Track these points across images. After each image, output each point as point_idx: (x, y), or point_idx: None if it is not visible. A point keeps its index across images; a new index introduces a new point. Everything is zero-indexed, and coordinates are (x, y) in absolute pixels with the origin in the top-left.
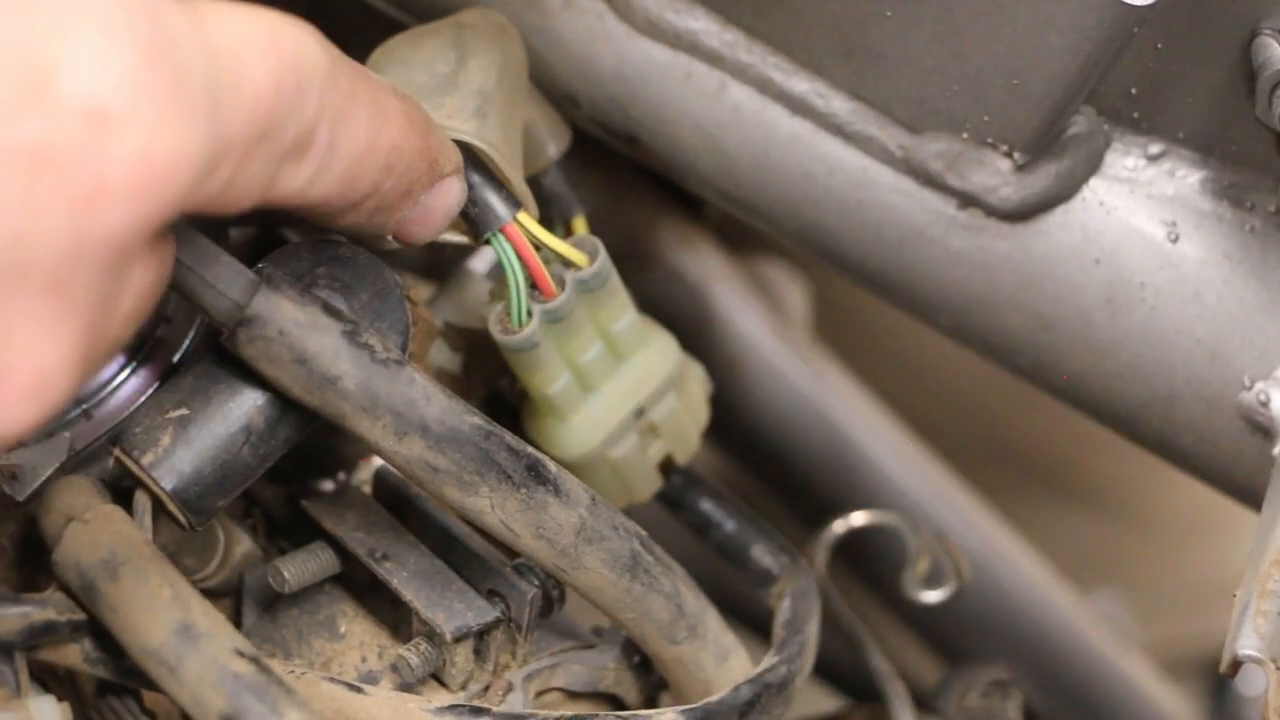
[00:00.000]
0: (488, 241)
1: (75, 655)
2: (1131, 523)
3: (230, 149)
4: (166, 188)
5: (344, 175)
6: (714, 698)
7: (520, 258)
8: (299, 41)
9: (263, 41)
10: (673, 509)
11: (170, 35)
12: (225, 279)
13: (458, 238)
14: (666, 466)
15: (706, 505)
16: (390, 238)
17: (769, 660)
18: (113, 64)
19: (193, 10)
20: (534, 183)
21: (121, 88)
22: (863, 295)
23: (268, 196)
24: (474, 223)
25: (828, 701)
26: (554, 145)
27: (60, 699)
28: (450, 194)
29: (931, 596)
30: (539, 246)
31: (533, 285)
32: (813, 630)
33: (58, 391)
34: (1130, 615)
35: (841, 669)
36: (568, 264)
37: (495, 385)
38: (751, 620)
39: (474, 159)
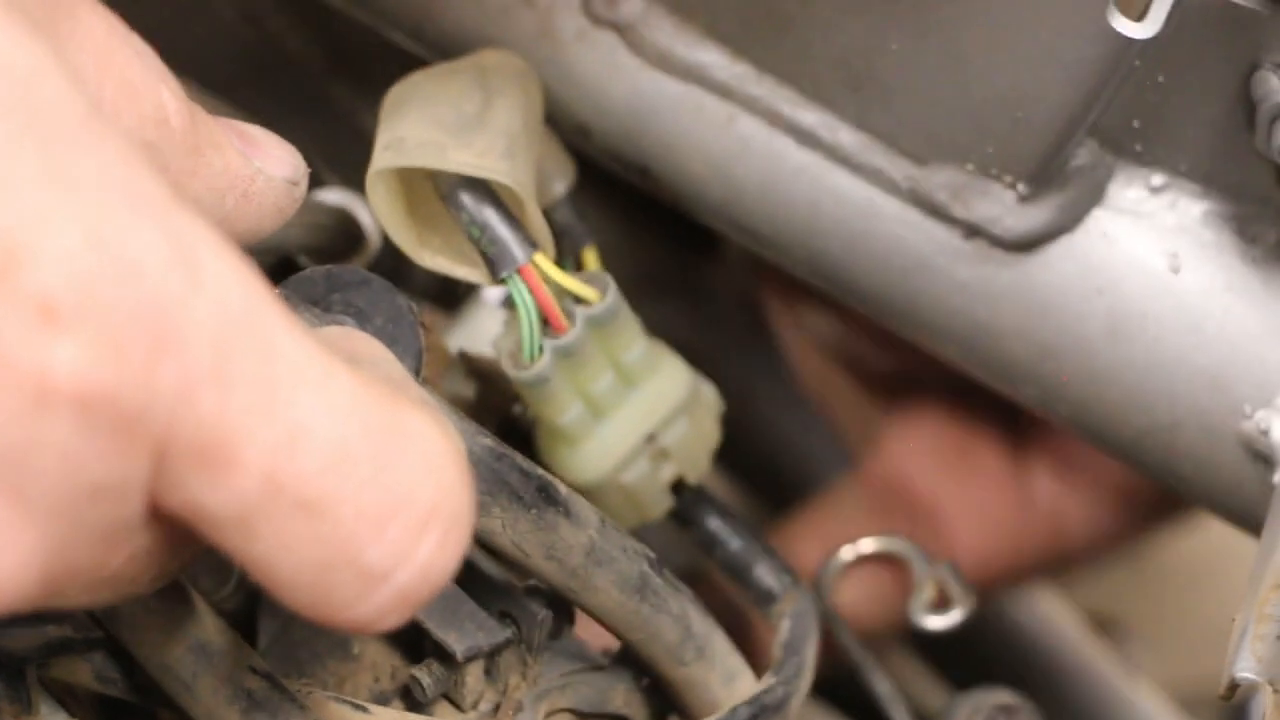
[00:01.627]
0: (503, 281)
1: (88, 673)
2: (1140, 563)
3: (221, 461)
4: (110, 410)
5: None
6: (712, 718)
7: (534, 296)
8: (427, 435)
9: (345, 410)
10: (681, 525)
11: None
12: None
13: (474, 276)
14: (677, 486)
15: (714, 523)
16: None
17: (767, 681)
18: (90, 266)
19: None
20: (544, 218)
21: (89, 293)
22: None
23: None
24: (491, 262)
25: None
26: (561, 182)
27: (73, 716)
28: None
29: (938, 623)
30: (550, 283)
31: (544, 321)
32: (811, 651)
33: (5, 601)
34: (1138, 643)
35: (846, 693)
36: (579, 300)
37: (508, 411)
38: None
39: (495, 198)
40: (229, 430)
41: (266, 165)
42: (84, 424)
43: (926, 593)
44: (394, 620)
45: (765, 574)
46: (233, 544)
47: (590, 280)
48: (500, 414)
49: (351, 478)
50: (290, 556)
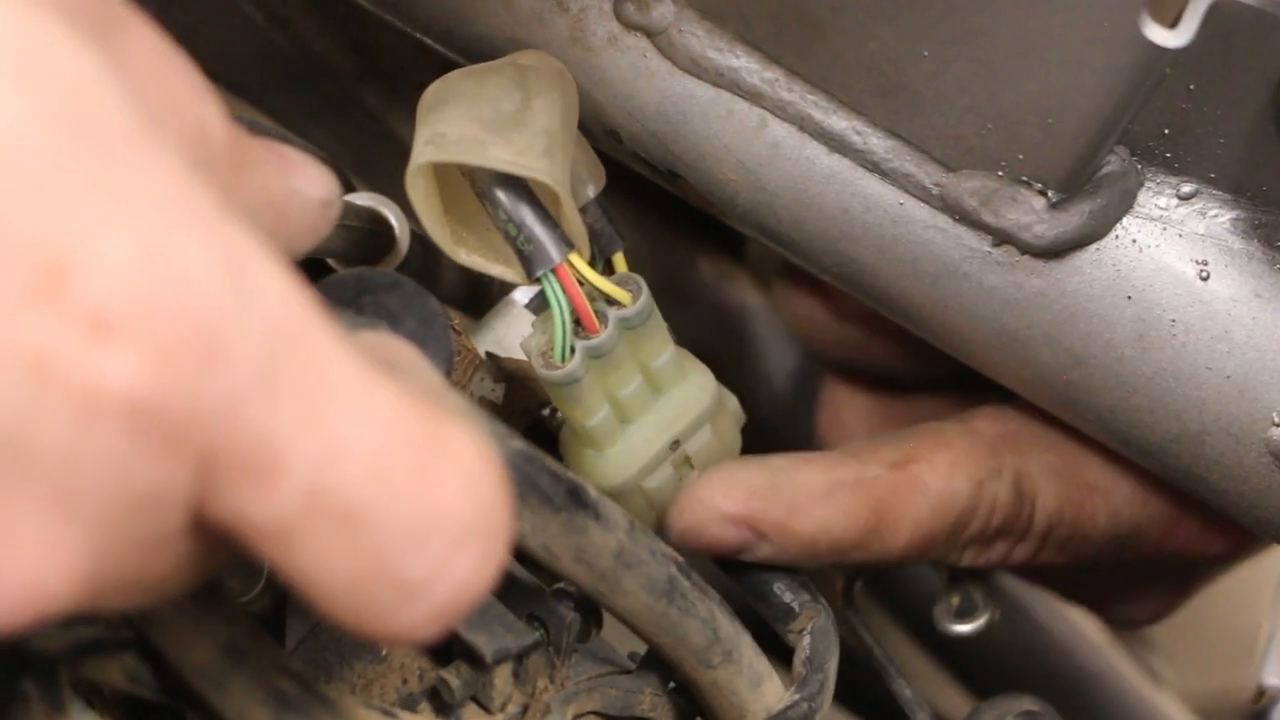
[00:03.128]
0: (538, 280)
1: (119, 673)
2: None
3: (268, 471)
4: (160, 421)
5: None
6: None
7: (568, 296)
8: (469, 451)
9: (387, 425)
10: None
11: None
12: None
13: (508, 274)
14: None
15: None
16: None
17: (790, 697)
18: (140, 281)
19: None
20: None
21: (139, 306)
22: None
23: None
24: (527, 260)
25: None
26: (593, 185)
27: (103, 717)
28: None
29: (963, 629)
30: (583, 283)
31: (576, 322)
32: (832, 667)
33: (48, 604)
34: (1160, 655)
35: (869, 700)
36: (611, 301)
37: (536, 414)
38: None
39: (531, 196)
40: (274, 442)
41: (303, 185)
42: (133, 434)
43: (951, 600)
44: (430, 631)
45: (784, 590)
46: (274, 553)
47: (623, 282)
48: (527, 417)
49: (392, 491)
50: (330, 567)
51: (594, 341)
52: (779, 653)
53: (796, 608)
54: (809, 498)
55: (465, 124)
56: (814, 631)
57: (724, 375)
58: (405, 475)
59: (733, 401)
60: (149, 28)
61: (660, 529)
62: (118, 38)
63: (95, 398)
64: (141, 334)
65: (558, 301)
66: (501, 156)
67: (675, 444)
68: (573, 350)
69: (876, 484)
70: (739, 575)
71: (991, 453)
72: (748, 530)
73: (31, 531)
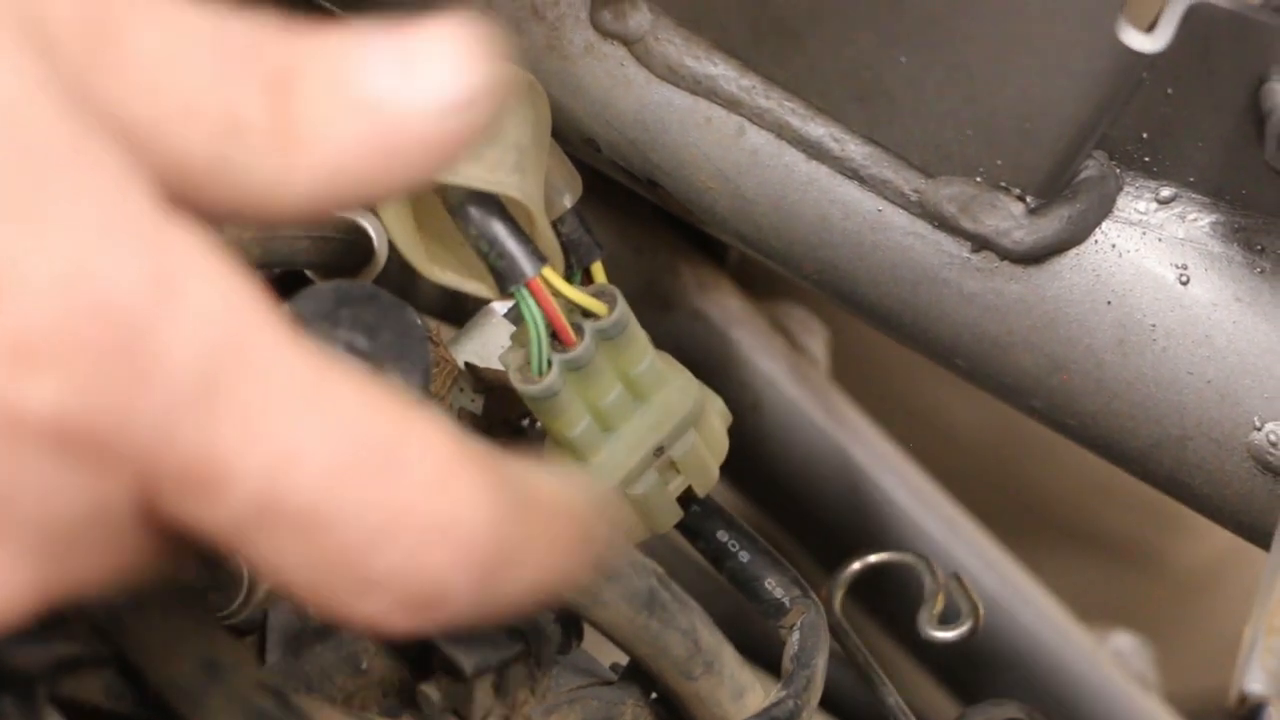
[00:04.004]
0: (510, 295)
1: (98, 690)
2: (1151, 574)
3: (212, 484)
4: (91, 445)
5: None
6: None
7: (542, 310)
8: (438, 458)
9: (344, 433)
10: (689, 537)
11: None
12: None
13: (483, 290)
14: (686, 498)
15: (723, 535)
16: None
17: (776, 695)
18: (62, 304)
19: None
20: (552, 231)
21: (61, 331)
22: (879, 340)
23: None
24: (500, 276)
25: None
26: (569, 195)
27: None
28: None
29: (947, 635)
30: (558, 296)
31: (553, 335)
32: (820, 664)
33: (4, 625)
34: (1148, 659)
35: (854, 707)
36: (587, 313)
37: (517, 424)
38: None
39: (503, 212)
40: (216, 455)
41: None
42: (62, 458)
43: (935, 605)
44: (403, 624)
45: (774, 586)
46: (233, 549)
47: (598, 294)
48: (509, 427)
49: (350, 493)
50: (289, 564)
51: (571, 354)
52: (764, 664)
53: (787, 603)
54: None
55: None
56: (803, 627)
57: (706, 382)
58: (364, 476)
59: (718, 403)
60: (157, 18)
61: (649, 536)
62: (102, 38)
63: (20, 424)
64: (64, 358)
65: (532, 316)
66: (473, 173)
67: (660, 450)
68: (549, 364)
69: None
70: (730, 572)
71: None
72: None
73: None
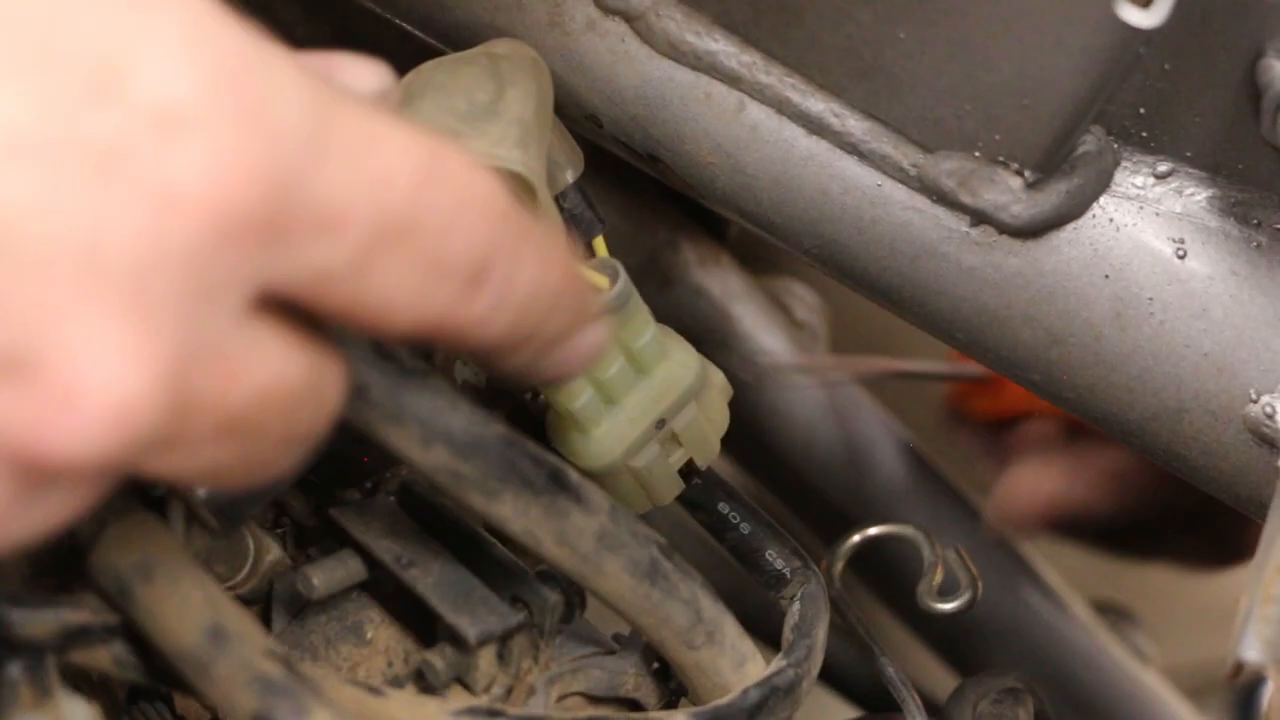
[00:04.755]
0: None
1: (106, 659)
2: None
3: (336, 223)
4: (237, 206)
5: (516, 316)
6: (723, 701)
7: None
8: (465, 167)
9: (413, 152)
10: (691, 509)
11: (259, 72)
12: None
13: None
14: (688, 470)
15: (724, 507)
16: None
17: (777, 664)
18: (190, 73)
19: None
20: (554, 206)
21: (197, 96)
22: (877, 315)
23: (442, 323)
24: None
25: (841, 712)
26: (571, 170)
27: (90, 702)
28: (595, 337)
29: (946, 606)
30: None
31: None
32: (821, 634)
33: (140, 420)
34: (1144, 632)
35: (854, 680)
36: (590, 285)
37: (519, 398)
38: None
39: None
40: (336, 196)
41: (352, 83)
42: (206, 225)
43: (934, 577)
44: (501, 321)
45: (775, 557)
46: (347, 297)
47: (600, 267)
48: (512, 401)
49: (428, 200)
50: (399, 284)
51: None
52: (761, 638)
53: (788, 574)
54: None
55: (440, 116)
56: (804, 598)
57: (706, 356)
58: (430, 184)
59: (719, 376)
60: None
61: (651, 508)
62: None
63: (169, 192)
64: (204, 126)
65: None
66: (476, 148)
67: (661, 422)
68: None
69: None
70: (731, 544)
71: None
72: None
73: (116, 343)
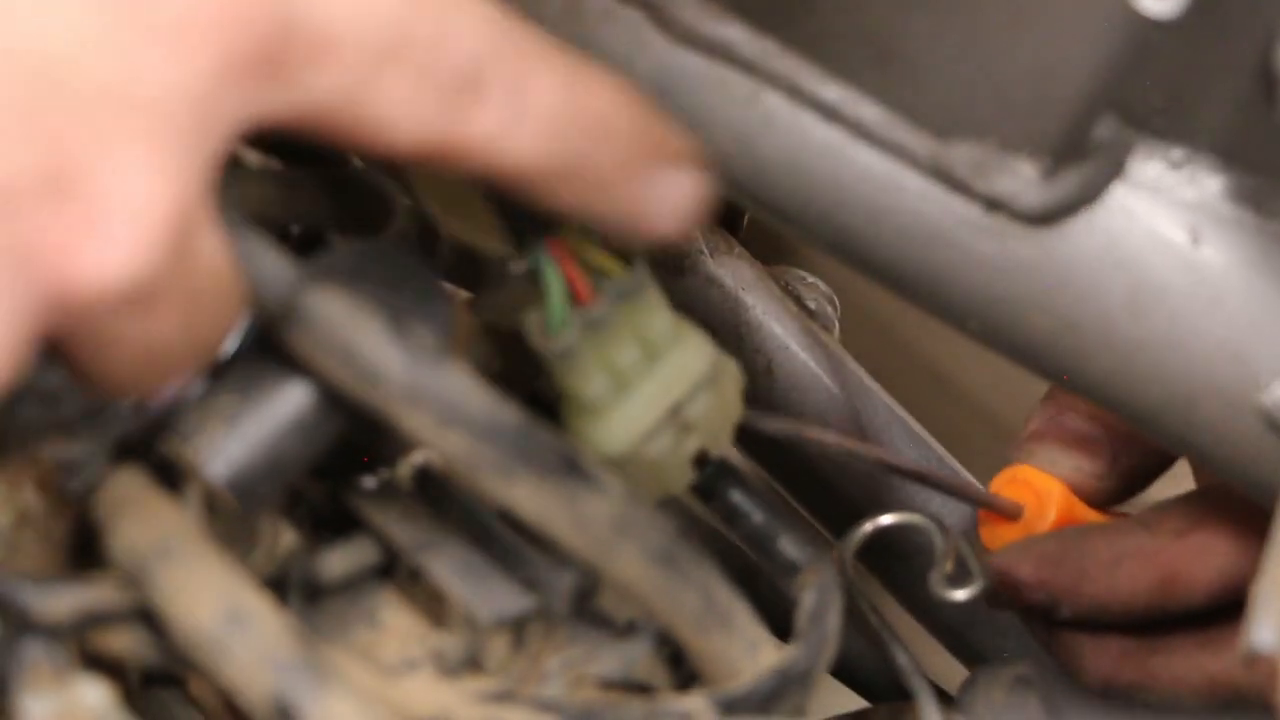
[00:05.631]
0: (530, 254)
1: (124, 641)
2: None
3: (330, 47)
4: (240, 38)
5: (544, 138)
6: (738, 686)
7: (561, 269)
8: None
9: None
10: (704, 498)
11: None
12: (274, 273)
13: (501, 249)
14: (700, 459)
15: (737, 496)
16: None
17: (791, 650)
18: None
19: None
20: None
21: None
22: (891, 304)
23: (446, 138)
24: (519, 235)
25: (852, 702)
26: None
27: (106, 683)
28: (684, 185)
29: (959, 595)
30: (578, 255)
31: (572, 294)
32: (834, 623)
33: (157, 248)
34: None
35: (865, 669)
36: (606, 273)
37: (533, 384)
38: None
39: None
40: (328, 19)
41: None
42: (221, 62)
43: (945, 566)
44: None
45: (788, 546)
46: (346, 117)
47: (617, 253)
48: (525, 387)
49: (413, 12)
50: (393, 98)
51: (590, 314)
52: (777, 626)
53: (801, 562)
54: (1096, 566)
55: None
56: (817, 586)
57: (719, 346)
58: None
59: (732, 366)
60: None
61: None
62: None
63: (184, 25)
64: None
65: (551, 275)
66: None
67: (675, 410)
68: (568, 323)
69: (1162, 554)
70: (744, 532)
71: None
72: (1043, 593)
73: (145, 164)
